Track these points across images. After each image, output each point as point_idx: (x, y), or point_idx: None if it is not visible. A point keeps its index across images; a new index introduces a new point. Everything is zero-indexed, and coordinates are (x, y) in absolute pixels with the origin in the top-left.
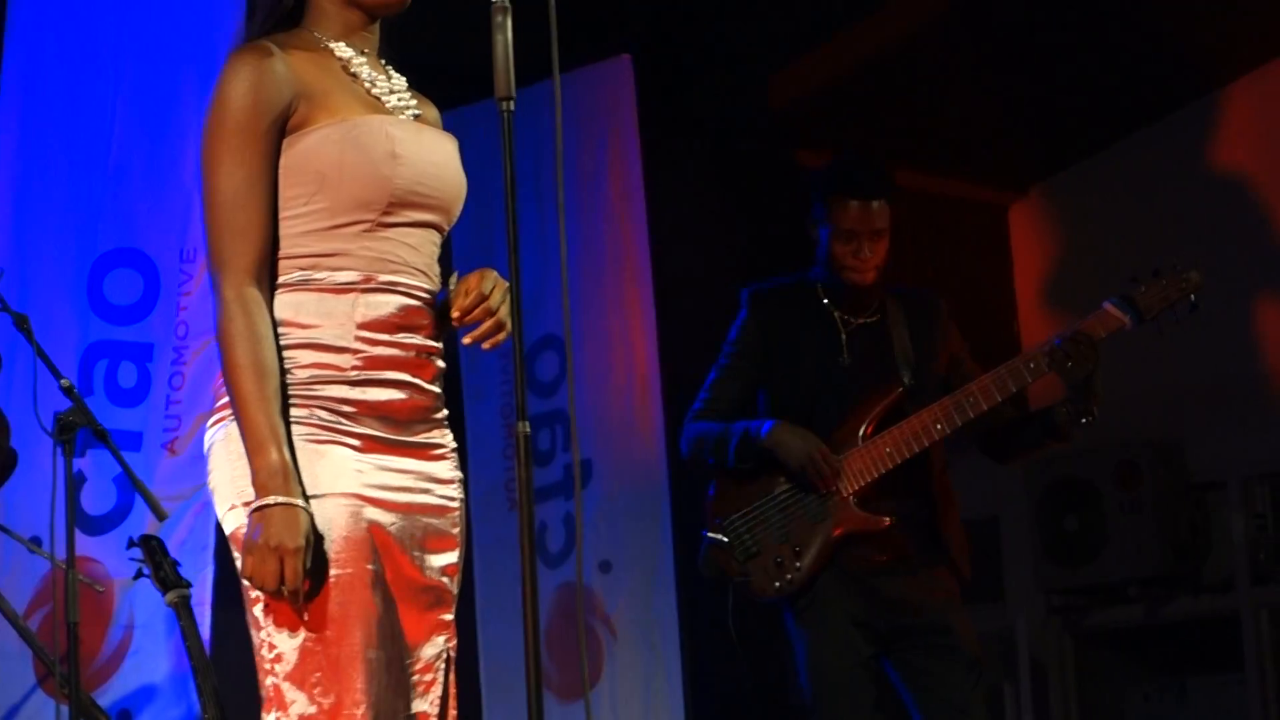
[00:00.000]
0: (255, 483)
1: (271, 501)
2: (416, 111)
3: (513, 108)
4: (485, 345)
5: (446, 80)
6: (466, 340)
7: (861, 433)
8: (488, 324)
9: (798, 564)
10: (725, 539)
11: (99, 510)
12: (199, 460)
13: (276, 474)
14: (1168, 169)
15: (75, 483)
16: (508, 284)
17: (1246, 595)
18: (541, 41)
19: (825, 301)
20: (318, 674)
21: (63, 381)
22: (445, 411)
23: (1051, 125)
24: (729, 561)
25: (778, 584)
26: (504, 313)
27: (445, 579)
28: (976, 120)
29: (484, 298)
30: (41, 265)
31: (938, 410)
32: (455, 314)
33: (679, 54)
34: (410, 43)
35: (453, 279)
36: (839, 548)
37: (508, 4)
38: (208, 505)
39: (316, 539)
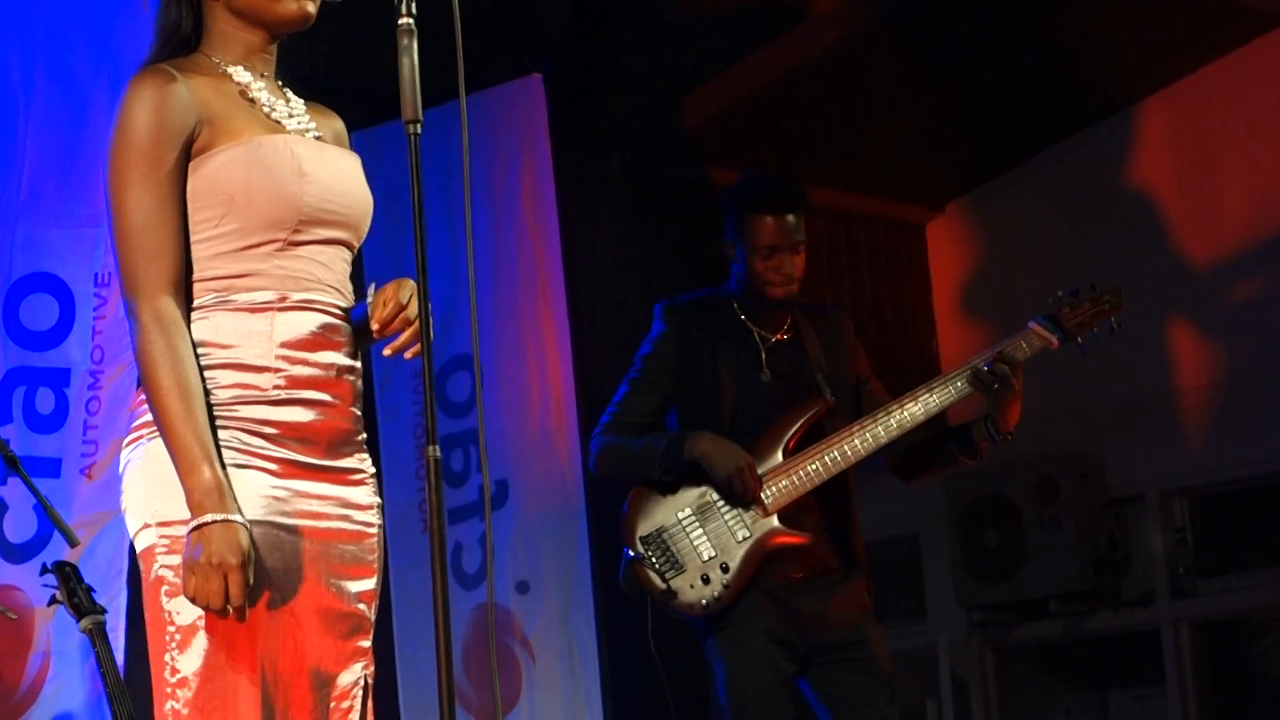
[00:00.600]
0: (191, 502)
1: (210, 519)
2: (318, 133)
3: (420, 130)
4: (407, 355)
5: (356, 101)
6: (386, 351)
7: (783, 448)
8: (407, 334)
9: (725, 580)
10: (648, 556)
11: (20, 538)
12: (116, 485)
13: (212, 491)
14: (1083, 184)
15: None
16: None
17: (1166, 609)
18: (452, 60)
19: (742, 318)
20: (218, 700)
21: None
22: (364, 435)
23: (966, 142)
24: (652, 579)
25: (704, 601)
26: (412, 310)
27: (362, 606)
28: (891, 138)
29: (402, 307)
30: None
31: (861, 428)
32: (375, 325)
33: (593, 73)
34: (320, 63)
35: (370, 289)
36: (763, 564)
37: (414, 27)
38: (123, 528)
39: (257, 552)
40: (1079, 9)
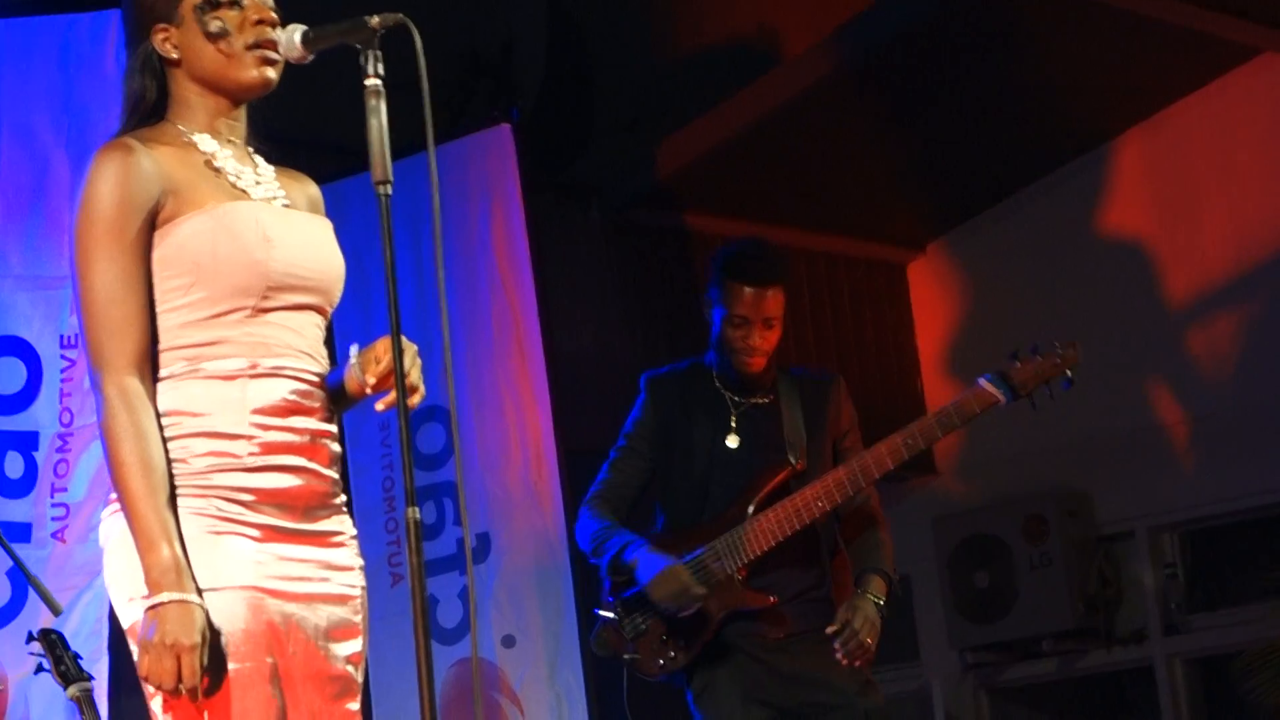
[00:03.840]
0: (148, 580)
1: (165, 599)
2: (286, 201)
3: (390, 191)
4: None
5: (320, 154)
6: (380, 406)
7: (749, 510)
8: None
9: (681, 642)
10: (615, 617)
11: None
12: (89, 548)
13: (169, 570)
14: (1063, 220)
15: None
16: (415, 347)
17: (1159, 645)
18: (418, 110)
19: (718, 385)
20: None
21: None
22: (343, 497)
23: (945, 182)
24: (618, 640)
25: (661, 662)
26: (415, 376)
27: (350, 668)
28: (868, 179)
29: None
30: None
31: (820, 487)
32: (371, 380)
33: (567, 122)
34: (282, 117)
35: (353, 350)
36: (724, 625)
37: (381, 88)
38: (101, 594)
39: (214, 633)
40: (1054, 44)
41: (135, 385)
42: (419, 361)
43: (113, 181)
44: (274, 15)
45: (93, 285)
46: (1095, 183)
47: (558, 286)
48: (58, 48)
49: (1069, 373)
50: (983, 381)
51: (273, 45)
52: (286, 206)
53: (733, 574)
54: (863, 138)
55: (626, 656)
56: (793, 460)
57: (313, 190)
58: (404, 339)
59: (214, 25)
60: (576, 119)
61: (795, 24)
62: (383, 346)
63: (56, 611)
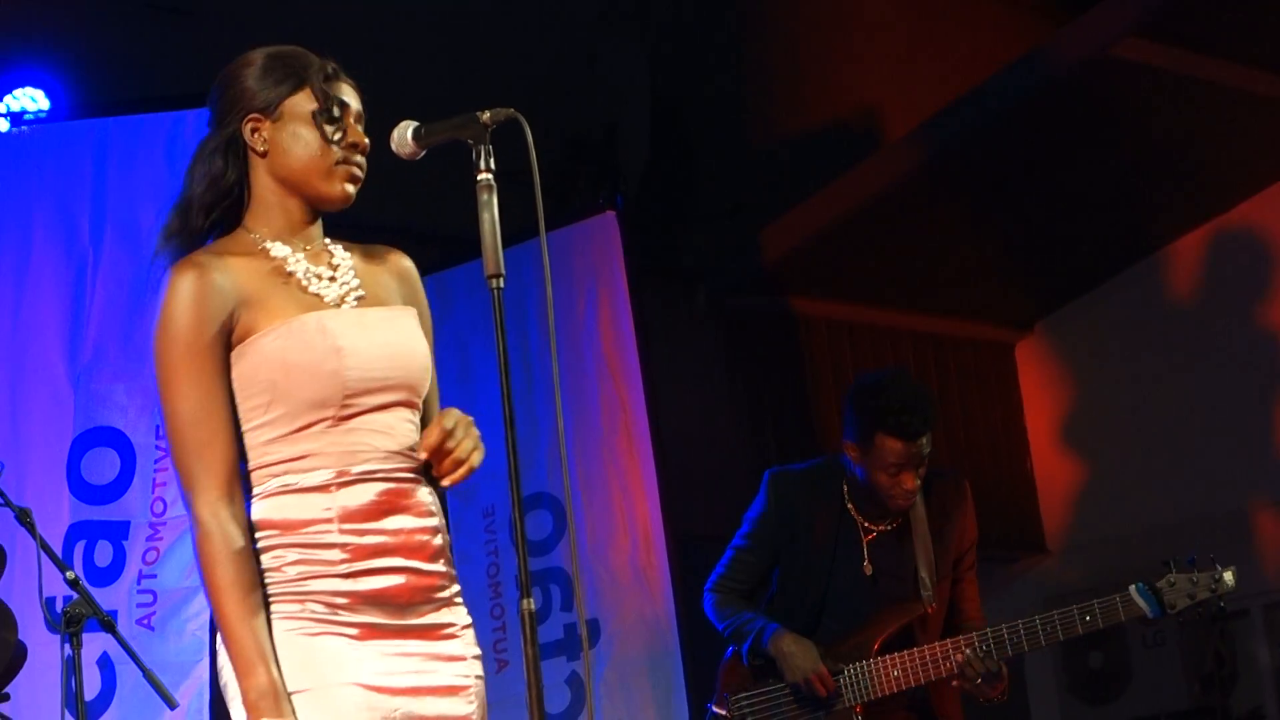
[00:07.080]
0: (246, 703)
1: None
2: (360, 293)
3: (502, 285)
4: (444, 483)
5: (425, 243)
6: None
7: (873, 647)
8: (445, 464)
9: None
10: (729, 716)
11: (88, 695)
12: (184, 637)
13: (267, 694)
14: (1170, 298)
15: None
16: (470, 418)
17: None
18: (522, 197)
19: (849, 504)
20: None
21: (68, 574)
22: (455, 588)
23: (1052, 261)
24: None
25: None
26: (461, 450)
27: None
28: (974, 260)
29: (446, 434)
30: (27, 453)
31: (950, 646)
32: (421, 454)
33: (672, 209)
34: (389, 208)
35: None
36: None
37: (493, 182)
38: (203, 684)
39: None
40: (1158, 122)
41: (224, 506)
42: (473, 430)
43: (188, 301)
44: (366, 142)
45: (176, 409)
46: (1202, 261)
47: (663, 371)
48: (163, 145)
49: (1221, 602)
50: (1133, 591)
51: (361, 167)
52: (361, 299)
53: (851, 707)
54: (967, 219)
55: None
56: (927, 599)
57: (400, 264)
58: (455, 413)
59: (334, 133)
60: (680, 205)
61: (896, 107)
62: (442, 425)
63: (172, 705)
